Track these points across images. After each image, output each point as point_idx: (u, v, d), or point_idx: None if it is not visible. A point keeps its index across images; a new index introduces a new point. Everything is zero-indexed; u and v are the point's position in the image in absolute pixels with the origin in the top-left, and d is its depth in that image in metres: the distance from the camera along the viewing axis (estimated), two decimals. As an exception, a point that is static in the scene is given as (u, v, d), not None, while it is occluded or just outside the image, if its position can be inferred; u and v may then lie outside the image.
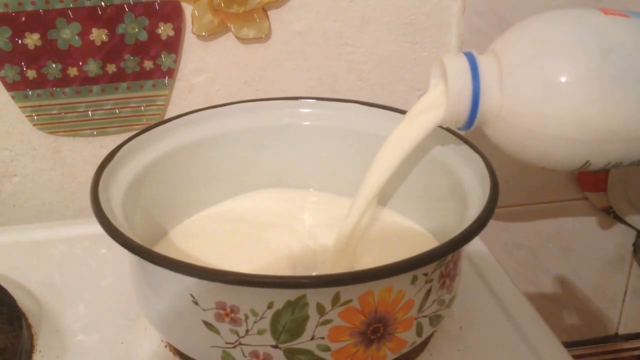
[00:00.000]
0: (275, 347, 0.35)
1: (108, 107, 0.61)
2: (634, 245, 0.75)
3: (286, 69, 0.63)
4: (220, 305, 0.35)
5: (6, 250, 0.54)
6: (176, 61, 0.61)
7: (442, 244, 0.35)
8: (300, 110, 0.50)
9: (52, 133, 0.62)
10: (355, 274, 0.33)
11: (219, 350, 0.36)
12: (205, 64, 0.62)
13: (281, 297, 0.34)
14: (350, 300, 0.34)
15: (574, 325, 0.79)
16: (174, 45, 0.60)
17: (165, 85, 0.61)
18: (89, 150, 0.63)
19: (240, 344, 0.36)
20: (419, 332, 0.38)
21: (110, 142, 0.63)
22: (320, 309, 0.34)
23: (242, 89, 0.63)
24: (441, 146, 0.46)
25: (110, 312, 0.46)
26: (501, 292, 0.47)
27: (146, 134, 0.46)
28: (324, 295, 0.34)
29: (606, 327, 0.80)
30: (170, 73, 0.61)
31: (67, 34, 0.58)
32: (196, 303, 0.35)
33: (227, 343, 0.36)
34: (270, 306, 0.34)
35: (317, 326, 0.35)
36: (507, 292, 0.48)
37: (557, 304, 0.78)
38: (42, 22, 0.57)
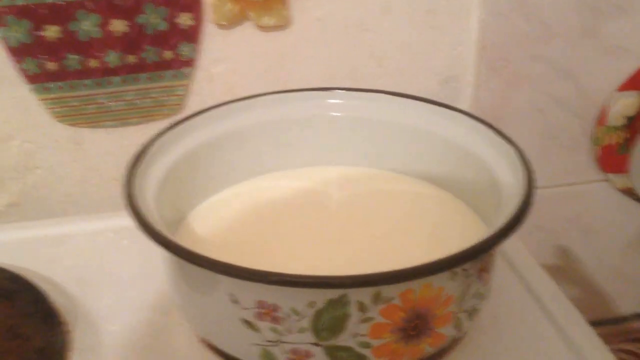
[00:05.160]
0: (315, 344, 0.35)
1: (129, 97, 0.61)
2: (654, 225, 0.75)
3: (306, 57, 0.63)
4: (261, 305, 0.35)
5: (32, 245, 0.54)
6: (196, 51, 0.60)
7: (483, 241, 0.34)
8: (329, 101, 0.50)
9: (73, 125, 0.61)
10: (398, 273, 0.33)
11: (258, 348, 0.36)
12: (225, 53, 0.61)
13: (323, 296, 0.34)
14: (391, 298, 0.34)
15: (595, 305, 0.79)
16: (193, 34, 0.59)
17: (185, 75, 0.61)
18: (110, 141, 0.63)
19: (280, 342, 0.36)
20: (458, 327, 0.38)
21: (131, 133, 0.63)
22: (362, 307, 0.34)
23: (262, 78, 0.63)
24: (470, 135, 0.45)
25: (143, 306, 0.46)
26: (531, 279, 0.47)
27: (175, 129, 0.46)
28: (365, 294, 0.34)
29: (627, 307, 0.80)
30: (191, 63, 0.61)
31: (87, 26, 0.57)
32: (236, 302, 0.36)
33: (267, 341, 0.36)
34: (311, 305, 0.34)
35: (358, 324, 0.35)
36: (536, 278, 0.48)
37: (578, 286, 0.78)
38: (62, 14, 0.56)
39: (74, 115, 0.61)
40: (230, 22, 0.59)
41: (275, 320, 0.35)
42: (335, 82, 0.64)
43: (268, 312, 0.35)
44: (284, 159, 0.51)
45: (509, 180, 0.40)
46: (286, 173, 0.51)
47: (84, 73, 0.59)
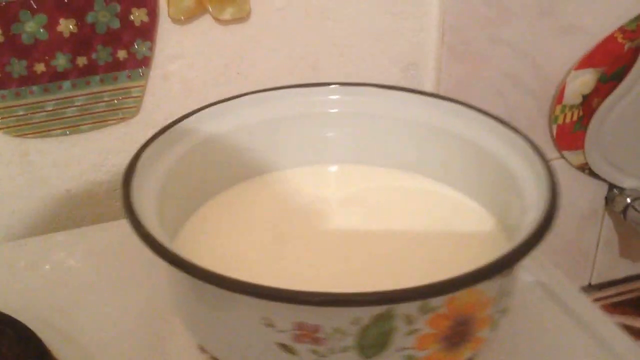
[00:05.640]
0: (360, 363, 0.33)
1: (80, 103, 0.56)
2: (606, 198, 0.76)
3: (267, 49, 0.60)
4: (300, 327, 0.32)
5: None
6: (152, 49, 0.56)
7: (520, 244, 0.33)
8: (329, 97, 0.47)
9: (19, 136, 0.56)
10: (448, 283, 0.31)
11: (296, 372, 0.34)
12: (182, 49, 0.58)
13: (369, 312, 0.32)
14: (438, 307, 0.33)
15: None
16: (149, 31, 0.55)
17: (140, 75, 0.57)
18: (60, 151, 0.58)
19: (321, 363, 0.33)
20: (494, 328, 0.37)
21: (83, 140, 0.58)
22: (409, 320, 0.32)
23: (223, 74, 0.60)
24: (476, 126, 0.44)
25: (138, 334, 0.43)
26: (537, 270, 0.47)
27: (165, 134, 0.42)
28: (412, 305, 0.32)
29: (580, 278, 0.82)
30: (146, 62, 0.57)
31: (32, 27, 0.52)
32: (271, 325, 0.33)
33: (306, 364, 0.34)
34: (356, 322, 0.32)
35: (404, 337, 0.33)
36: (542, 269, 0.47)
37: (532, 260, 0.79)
38: (3, 15, 0.51)
39: (20, 126, 0.56)
40: (188, 17, 0.56)
41: (316, 341, 0.33)
42: (298, 74, 0.61)
43: (308, 333, 0.33)
44: (282, 158, 0.48)
45: (525, 175, 0.39)
46: (285, 173, 0.48)
47: (30, 79, 0.54)
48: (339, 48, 0.62)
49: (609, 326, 0.42)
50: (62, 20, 0.53)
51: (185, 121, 0.44)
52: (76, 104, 0.56)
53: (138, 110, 0.58)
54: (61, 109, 0.56)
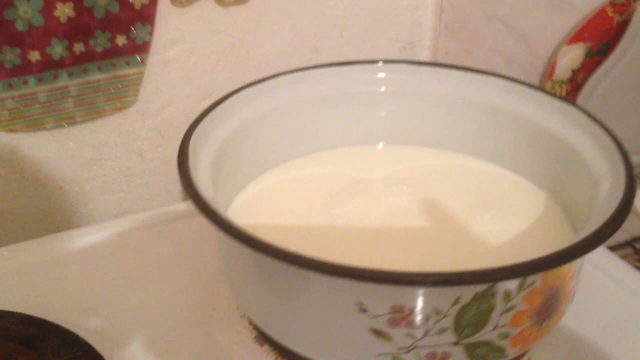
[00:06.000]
0: (455, 344, 0.32)
1: (75, 93, 0.53)
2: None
3: (268, 31, 0.58)
4: (397, 309, 0.31)
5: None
6: (151, 33, 0.53)
7: (605, 224, 0.32)
8: (377, 75, 0.46)
9: (10, 131, 0.52)
10: (547, 260, 0.30)
11: (387, 358, 0.33)
12: (182, 33, 0.55)
13: (470, 291, 0.31)
14: (534, 282, 0.32)
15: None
16: (149, 14, 0.52)
17: (140, 62, 0.54)
18: (52, 145, 0.54)
19: (415, 347, 0.32)
20: (572, 300, 0.36)
21: (77, 133, 0.55)
22: (507, 296, 0.31)
23: (222, 58, 0.57)
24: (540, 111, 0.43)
25: (178, 332, 0.40)
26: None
27: (216, 110, 0.40)
28: (513, 282, 0.31)
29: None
30: (146, 47, 0.53)
31: (27, 12, 0.48)
32: (364, 310, 0.31)
33: (399, 348, 0.32)
34: (456, 302, 0.31)
35: (500, 314, 0.32)
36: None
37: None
38: (-4, 0, 0.47)
39: (12, 120, 0.52)
40: (189, -1, 0.53)
41: (411, 324, 0.31)
42: (299, 56, 0.59)
43: (404, 316, 0.31)
44: (329, 137, 0.46)
45: (585, 147, 0.39)
46: (335, 152, 0.46)
47: (24, 69, 0.50)
48: (339, 29, 0.60)
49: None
50: (59, 4, 0.49)
51: (233, 97, 0.41)
52: (71, 94, 0.52)
53: (136, 99, 0.55)
54: (55, 99, 0.52)
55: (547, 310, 0.33)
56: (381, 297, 0.31)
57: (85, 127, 0.55)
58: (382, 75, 0.46)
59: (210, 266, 0.46)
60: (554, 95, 0.42)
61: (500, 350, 0.33)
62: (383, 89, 0.46)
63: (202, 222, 0.51)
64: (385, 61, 0.46)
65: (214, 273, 0.45)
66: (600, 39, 0.67)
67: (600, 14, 0.65)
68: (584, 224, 0.35)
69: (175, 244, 0.49)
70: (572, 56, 0.67)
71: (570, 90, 0.69)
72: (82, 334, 0.38)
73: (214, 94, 0.58)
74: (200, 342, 0.40)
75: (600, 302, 0.42)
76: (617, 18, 0.65)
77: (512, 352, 0.34)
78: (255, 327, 0.40)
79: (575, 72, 0.69)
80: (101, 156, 0.57)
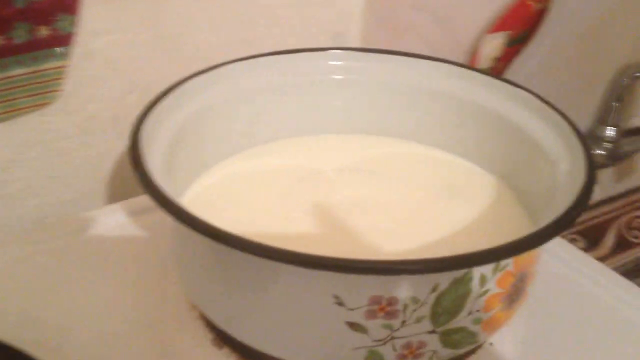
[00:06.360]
0: (431, 332, 0.32)
1: (-8, 89, 0.49)
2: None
3: (198, 22, 0.56)
4: (375, 300, 0.30)
5: None
6: (76, 23, 0.50)
7: (572, 206, 0.32)
8: (329, 63, 0.44)
9: None
10: (521, 243, 0.30)
11: (362, 351, 0.32)
12: (108, 24, 0.52)
13: (448, 277, 0.30)
14: (507, 265, 0.32)
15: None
16: (72, 4, 0.49)
17: (63, 54, 0.50)
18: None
19: (392, 338, 0.31)
20: (535, 281, 0.37)
21: (-5, 132, 0.51)
22: (482, 280, 0.31)
23: (150, 50, 0.55)
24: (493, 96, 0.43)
25: (125, 339, 0.38)
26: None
27: (164, 101, 0.38)
28: (489, 266, 0.31)
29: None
30: (70, 39, 0.50)
31: (-61, 1, 0.44)
32: (341, 304, 0.30)
33: (375, 341, 0.31)
34: (434, 289, 0.30)
35: (476, 299, 0.32)
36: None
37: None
38: None
39: None
40: (115, -13, 0.50)
41: (390, 315, 0.31)
42: (231, 47, 0.58)
43: (383, 307, 0.30)
44: (286, 127, 0.45)
45: (540, 132, 0.39)
46: (284, 143, 0.45)
47: (-64, 64, 0.46)
48: (271, 18, 0.59)
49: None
50: (-26, -7, 0.45)
51: (179, 89, 0.39)
52: (-12, 90, 0.49)
53: (59, 94, 0.52)
54: (-30, 97, 0.48)
55: (515, 292, 0.34)
56: (359, 289, 0.30)
57: (4, 125, 0.51)
58: (335, 63, 0.45)
59: (152, 267, 0.43)
60: (506, 80, 0.42)
61: (473, 336, 0.33)
62: (337, 77, 0.45)
63: (139, 222, 0.50)
64: (338, 48, 0.45)
65: (157, 274, 0.43)
66: (520, 28, 0.68)
67: (521, 2, 0.67)
68: (546, 207, 0.35)
69: (108, 246, 0.47)
70: (493, 45, 0.68)
71: (492, 78, 0.71)
72: (23, 346, 0.35)
73: (143, 88, 0.55)
74: (150, 348, 0.38)
75: (546, 281, 0.42)
76: (535, 6, 0.67)
77: (482, 337, 0.34)
78: (213, 329, 0.38)
79: (496, 61, 0.70)
80: (21, 157, 0.53)
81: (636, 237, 0.84)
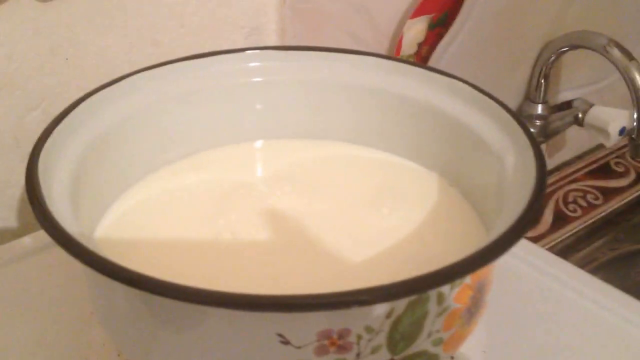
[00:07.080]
0: (390, 361, 0.29)
1: None
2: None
3: (99, 27, 0.51)
4: (325, 335, 0.27)
5: None
6: (-40, 39, 0.45)
7: (522, 216, 0.30)
8: (247, 65, 0.40)
9: None
10: (480, 258, 0.27)
11: (315, 390, 0.28)
12: (-4, 36, 0.47)
13: (403, 300, 0.27)
14: (464, 278, 0.29)
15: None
16: (-47, 18, 0.44)
17: (-53, 74, 0.45)
18: None
19: (347, 372, 0.28)
20: (491, 290, 0.34)
21: None
22: (440, 298, 0.28)
23: (49, 61, 0.50)
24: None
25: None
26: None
27: (65, 120, 0.33)
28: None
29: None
30: (-46, 56, 0.45)
31: None
32: (286, 343, 0.27)
33: (329, 378, 0.28)
34: (389, 315, 0.27)
35: (434, 319, 0.29)
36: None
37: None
38: None
39: None
40: (1, -4, 0.45)
41: (342, 349, 0.28)
42: (137, 53, 0.53)
43: (334, 341, 0.27)
44: (206, 138, 0.41)
45: (494, 135, 0.37)
46: (205, 155, 0.40)
47: None
48: (179, 18, 0.54)
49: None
50: None
51: (83, 104, 0.35)
52: None
53: (-53, 119, 0.46)
54: None
55: (475, 305, 0.31)
56: (306, 325, 0.26)
57: None
58: (253, 64, 0.41)
59: (75, 306, 0.39)
60: (440, 71, 0.39)
61: (435, 358, 0.30)
62: (257, 79, 0.41)
63: (58, 257, 0.44)
64: (255, 48, 0.41)
65: (81, 314, 0.38)
66: (440, 10, 0.66)
67: (439, -16, 0.64)
68: (497, 203, 0.32)
69: (25, 286, 0.42)
70: (416, 30, 0.66)
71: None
72: None
73: (45, 103, 0.50)
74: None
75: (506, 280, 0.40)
76: (455, -12, 0.65)
77: (444, 358, 0.31)
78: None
79: (420, 46, 0.67)
80: None
81: (574, 211, 0.83)
